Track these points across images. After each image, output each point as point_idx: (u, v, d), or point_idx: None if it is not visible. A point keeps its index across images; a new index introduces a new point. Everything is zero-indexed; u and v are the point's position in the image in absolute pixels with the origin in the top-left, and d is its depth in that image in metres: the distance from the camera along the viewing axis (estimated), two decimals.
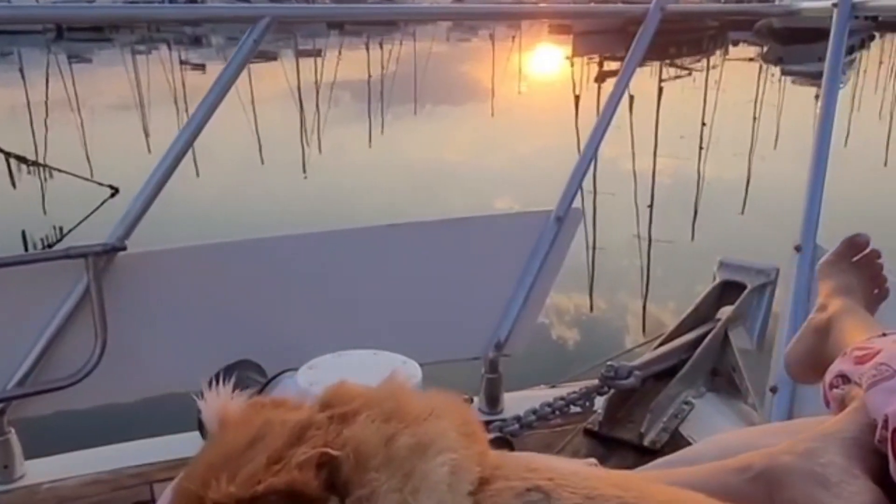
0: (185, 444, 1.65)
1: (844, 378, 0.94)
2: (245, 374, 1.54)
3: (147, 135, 11.45)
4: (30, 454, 1.70)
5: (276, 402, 0.65)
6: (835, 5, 1.84)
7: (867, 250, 1.27)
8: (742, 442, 0.92)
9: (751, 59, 22.77)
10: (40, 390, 1.60)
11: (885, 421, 0.77)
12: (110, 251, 1.63)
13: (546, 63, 24.44)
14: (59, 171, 8.43)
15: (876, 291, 1.25)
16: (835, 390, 0.95)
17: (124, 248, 1.64)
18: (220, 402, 0.65)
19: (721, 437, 1.01)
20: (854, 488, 0.75)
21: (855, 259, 1.27)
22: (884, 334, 1.02)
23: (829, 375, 0.98)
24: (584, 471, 0.68)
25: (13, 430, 1.65)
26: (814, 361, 1.13)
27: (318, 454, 0.55)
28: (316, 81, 16.64)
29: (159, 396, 1.73)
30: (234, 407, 0.65)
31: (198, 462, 0.61)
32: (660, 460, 1.00)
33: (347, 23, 24.60)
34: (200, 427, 1.56)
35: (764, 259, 2.24)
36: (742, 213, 7.35)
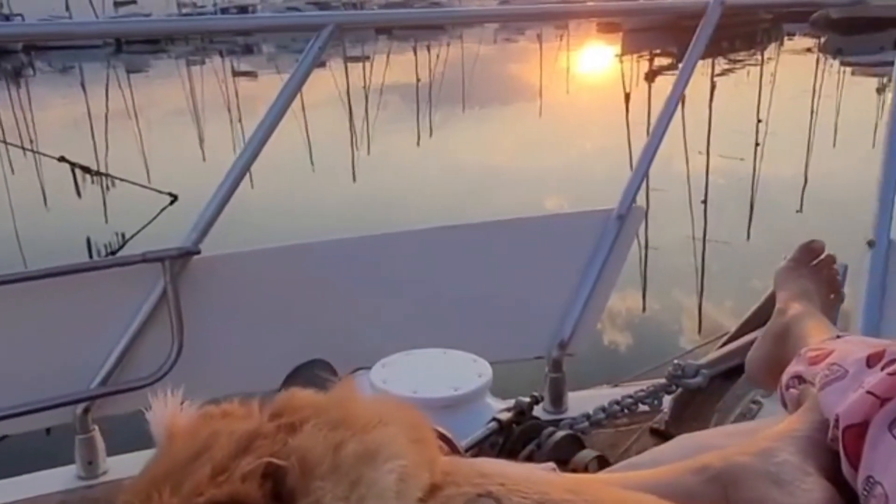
0: None
1: (800, 379, 0.96)
2: (317, 372, 1.57)
3: (202, 142, 11.75)
4: (111, 452, 1.77)
5: (225, 413, 0.64)
6: None
7: (823, 255, 1.33)
8: (703, 443, 0.93)
9: (808, 50, 22.16)
10: (122, 389, 1.67)
11: (837, 420, 0.79)
12: (185, 255, 1.68)
13: (595, 62, 24.22)
14: (121, 179, 8.69)
15: (832, 296, 1.30)
16: (791, 391, 0.97)
17: (199, 252, 1.70)
18: (167, 414, 0.64)
19: (683, 437, 1.02)
20: (807, 486, 0.76)
21: (812, 264, 1.32)
22: (838, 336, 1.05)
23: (785, 377, 1.00)
24: (536, 475, 0.68)
25: (97, 428, 1.71)
26: (774, 366, 1.14)
27: (262, 464, 0.54)
28: (365, 86, 16.79)
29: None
30: (182, 419, 0.64)
31: (142, 476, 0.59)
32: (625, 462, 1.00)
33: (396, 27, 24.79)
34: None
35: None
36: (800, 210, 7.17)
